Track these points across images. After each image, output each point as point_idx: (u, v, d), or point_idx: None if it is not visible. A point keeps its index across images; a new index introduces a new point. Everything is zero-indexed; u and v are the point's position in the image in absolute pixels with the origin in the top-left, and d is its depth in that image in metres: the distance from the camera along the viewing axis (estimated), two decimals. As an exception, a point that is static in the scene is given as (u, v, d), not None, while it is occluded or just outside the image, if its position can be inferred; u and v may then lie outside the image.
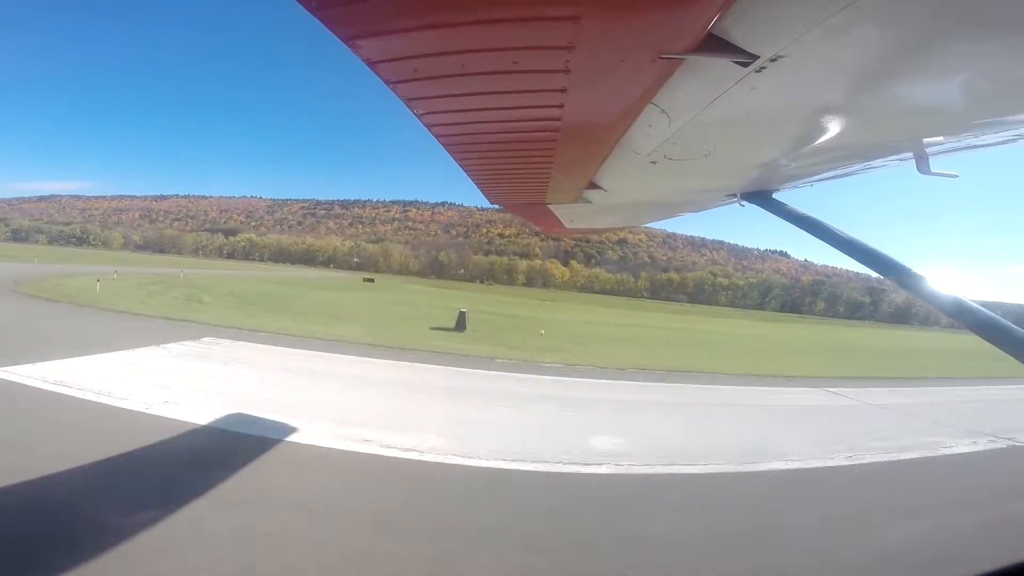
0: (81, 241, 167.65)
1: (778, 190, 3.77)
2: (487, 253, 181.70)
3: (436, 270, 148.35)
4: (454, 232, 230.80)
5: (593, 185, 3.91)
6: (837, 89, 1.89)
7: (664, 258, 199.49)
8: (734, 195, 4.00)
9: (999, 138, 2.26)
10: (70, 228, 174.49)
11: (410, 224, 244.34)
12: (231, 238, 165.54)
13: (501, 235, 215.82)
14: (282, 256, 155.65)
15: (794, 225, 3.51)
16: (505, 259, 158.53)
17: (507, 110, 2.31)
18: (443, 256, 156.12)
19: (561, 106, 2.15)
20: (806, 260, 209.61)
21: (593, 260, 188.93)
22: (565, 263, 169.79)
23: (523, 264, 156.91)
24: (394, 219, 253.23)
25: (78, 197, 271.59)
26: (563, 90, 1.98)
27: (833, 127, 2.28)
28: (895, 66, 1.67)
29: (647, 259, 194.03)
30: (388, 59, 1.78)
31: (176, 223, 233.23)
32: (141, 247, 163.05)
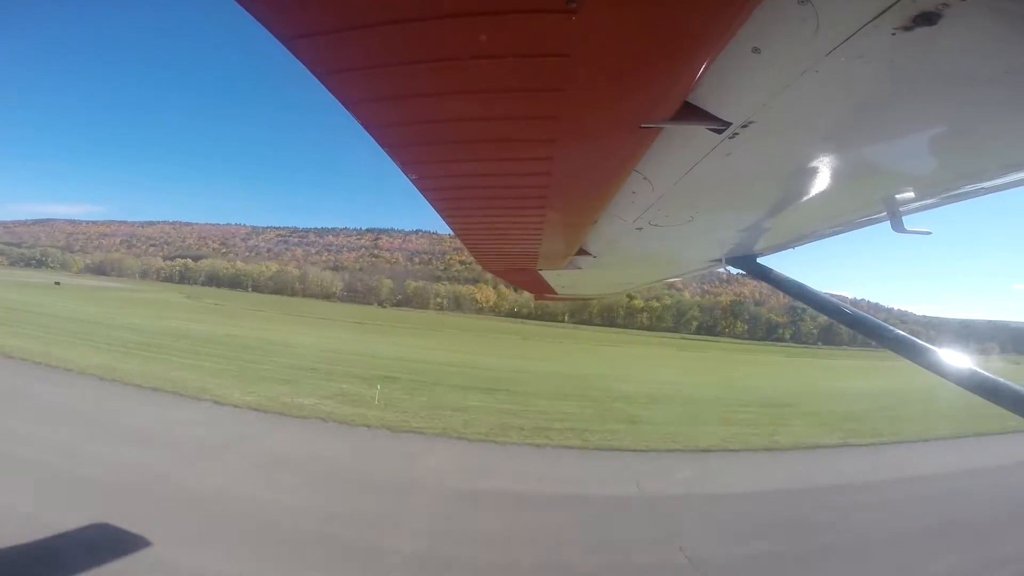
0: (40, 264, 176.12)
1: (762, 254, 3.80)
2: (438, 280, 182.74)
3: (361, 295, 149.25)
4: (417, 260, 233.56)
5: (582, 251, 3.93)
6: (807, 152, 1.97)
7: None
8: (719, 260, 4.06)
9: (963, 192, 2.31)
10: (31, 251, 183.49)
11: (376, 252, 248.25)
12: (167, 262, 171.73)
13: (462, 262, 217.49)
14: (213, 280, 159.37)
15: (781, 291, 3.53)
16: (421, 284, 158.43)
17: (496, 176, 2.36)
18: (372, 281, 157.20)
19: (548, 174, 2.22)
20: None
21: None
22: (514, 289, 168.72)
23: (441, 288, 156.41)
24: (362, 247, 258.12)
25: (71, 221, 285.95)
26: (550, 158, 2.06)
27: (807, 190, 2.35)
28: (859, 127, 1.75)
29: None
30: (385, 124, 1.86)
31: (152, 248, 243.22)
32: (92, 270, 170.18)
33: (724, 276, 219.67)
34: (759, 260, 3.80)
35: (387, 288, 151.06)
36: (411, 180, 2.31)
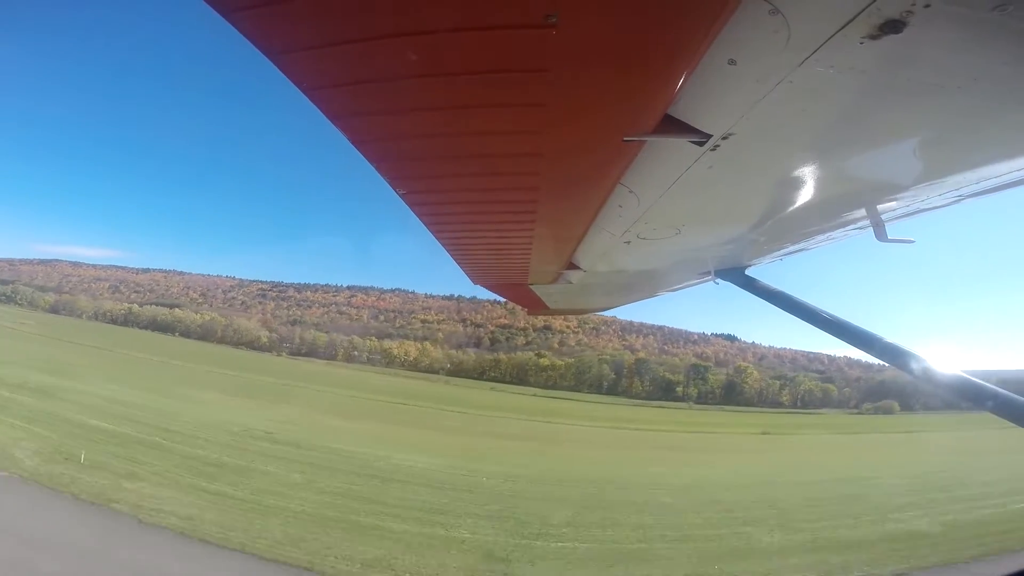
0: (10, 300, 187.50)
1: (749, 266, 3.88)
2: (389, 336, 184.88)
3: (275, 345, 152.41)
4: (382, 318, 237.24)
5: (572, 266, 3.97)
6: (786, 163, 2.02)
7: (575, 344, 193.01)
8: (708, 272, 4.13)
9: (943, 200, 2.37)
10: (3, 288, 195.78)
11: (342, 309, 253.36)
12: (114, 306, 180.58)
13: (424, 320, 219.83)
14: (152, 324, 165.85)
15: (766, 301, 3.57)
16: (334, 336, 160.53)
17: (486, 191, 2.46)
18: (287, 332, 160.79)
19: (537, 187, 2.27)
20: (753, 342, 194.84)
21: (497, 345, 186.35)
22: (458, 347, 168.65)
23: (359, 341, 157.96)
24: (332, 304, 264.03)
25: (74, 264, 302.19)
26: (537, 173, 2.11)
27: (789, 200, 2.41)
28: (836, 136, 1.79)
29: (556, 345, 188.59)
30: (372, 139, 1.89)
31: (134, 295, 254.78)
32: (53, 309, 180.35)
33: (696, 337, 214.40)
34: (747, 272, 3.84)
35: (299, 339, 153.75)
36: (400, 195, 2.29)
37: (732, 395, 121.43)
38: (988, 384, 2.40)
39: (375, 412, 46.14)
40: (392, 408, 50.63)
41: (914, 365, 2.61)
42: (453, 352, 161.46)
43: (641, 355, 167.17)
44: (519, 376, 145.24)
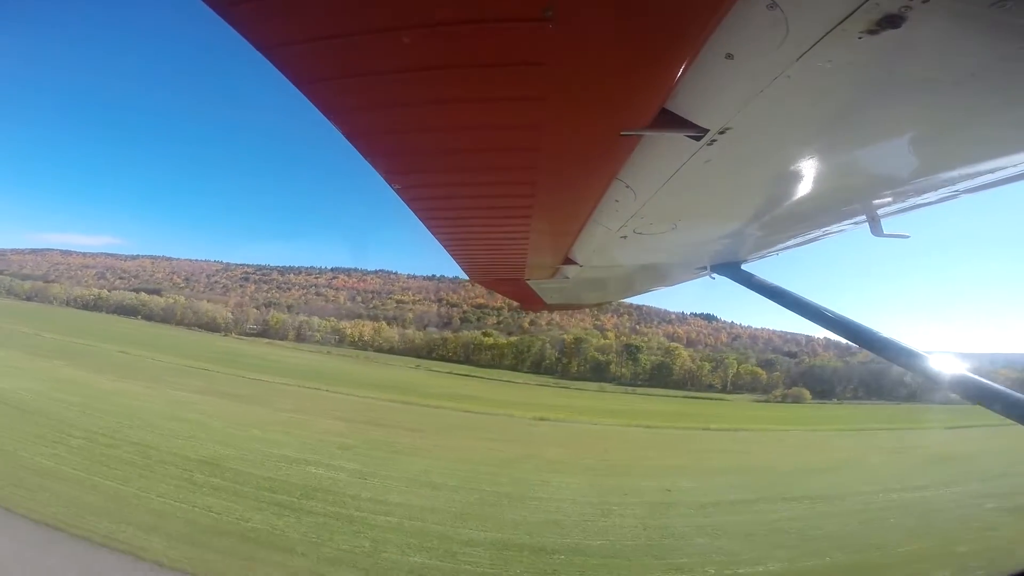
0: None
1: (746, 261, 3.94)
2: (358, 317, 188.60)
3: (232, 326, 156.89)
4: (359, 299, 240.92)
5: (569, 261, 4.00)
6: (783, 157, 2.02)
7: (545, 324, 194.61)
8: (704, 267, 4.20)
9: (939, 195, 2.41)
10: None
11: (321, 291, 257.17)
12: (83, 292, 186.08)
13: (399, 301, 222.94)
14: (120, 309, 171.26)
15: (764, 296, 3.60)
16: (286, 316, 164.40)
17: (481, 186, 2.50)
18: (241, 314, 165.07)
19: (534, 182, 2.31)
20: (731, 322, 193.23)
21: (467, 325, 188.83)
22: (424, 327, 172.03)
23: (316, 321, 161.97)
24: (312, 285, 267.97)
25: (64, 252, 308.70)
26: (534, 167, 2.12)
27: (786, 195, 2.48)
28: (833, 131, 1.79)
29: (527, 325, 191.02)
30: (366, 133, 1.87)
31: (119, 281, 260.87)
32: (28, 296, 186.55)
33: (674, 317, 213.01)
34: (743, 267, 3.87)
35: (253, 321, 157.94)
36: (395, 190, 2.32)
37: (661, 377, 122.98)
38: (992, 383, 2.38)
39: (148, 372, 51.00)
40: (180, 371, 54.40)
41: (911, 361, 2.62)
42: (409, 332, 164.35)
43: (610, 334, 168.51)
44: (466, 355, 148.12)
